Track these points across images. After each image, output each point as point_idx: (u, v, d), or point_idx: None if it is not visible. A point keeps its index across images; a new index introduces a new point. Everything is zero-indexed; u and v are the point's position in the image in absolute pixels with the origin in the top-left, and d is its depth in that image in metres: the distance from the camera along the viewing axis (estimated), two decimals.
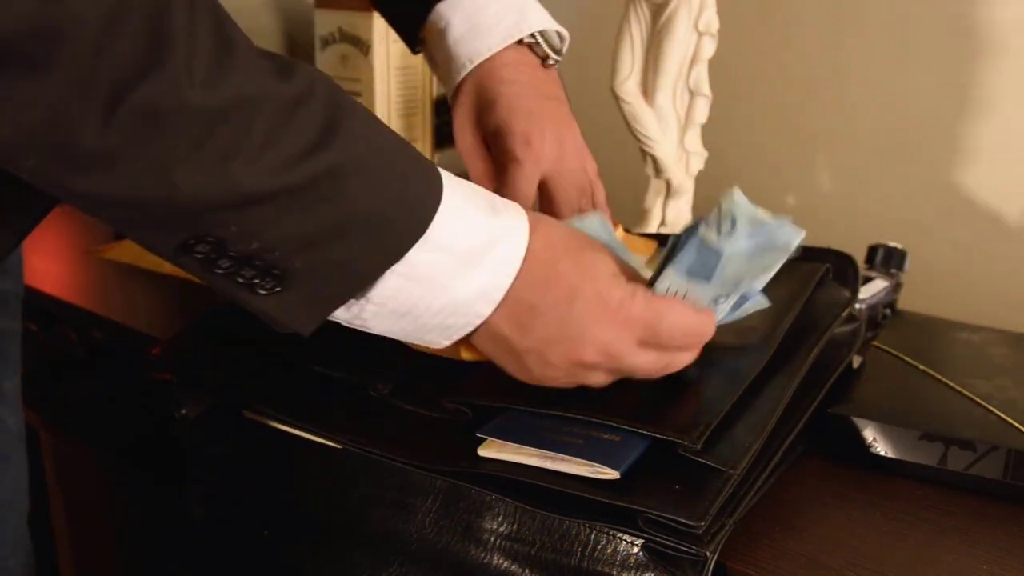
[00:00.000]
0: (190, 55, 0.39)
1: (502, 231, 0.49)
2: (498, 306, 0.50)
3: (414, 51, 0.72)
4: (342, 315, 0.49)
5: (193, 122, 0.39)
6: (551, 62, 0.68)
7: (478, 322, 0.51)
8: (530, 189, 0.64)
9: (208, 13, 0.41)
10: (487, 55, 0.66)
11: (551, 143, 0.65)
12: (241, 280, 0.45)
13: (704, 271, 0.55)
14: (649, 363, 0.53)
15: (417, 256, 0.47)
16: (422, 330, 0.50)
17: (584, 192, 0.67)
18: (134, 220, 0.43)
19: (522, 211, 0.51)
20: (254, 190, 0.42)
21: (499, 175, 0.66)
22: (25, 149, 0.39)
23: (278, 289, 0.45)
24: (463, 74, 0.67)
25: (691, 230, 0.56)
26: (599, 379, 0.53)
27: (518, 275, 0.50)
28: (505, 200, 0.52)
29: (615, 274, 0.52)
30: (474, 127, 0.68)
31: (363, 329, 0.50)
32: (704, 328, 0.53)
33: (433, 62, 0.71)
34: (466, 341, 0.53)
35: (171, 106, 0.39)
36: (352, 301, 0.48)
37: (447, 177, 0.48)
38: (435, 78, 1.15)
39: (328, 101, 0.44)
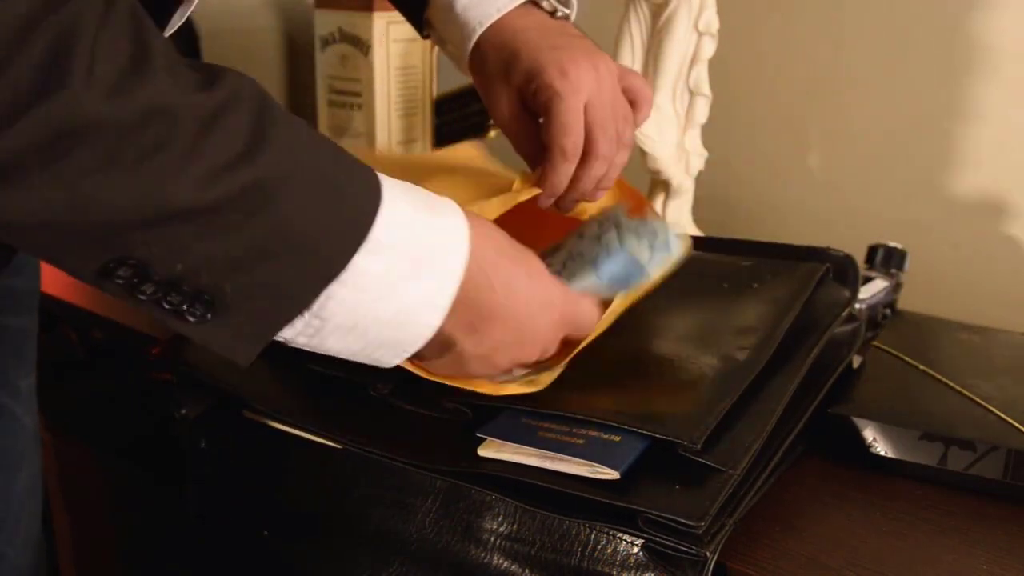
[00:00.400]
0: (97, 66, 0.37)
1: (443, 233, 0.48)
2: (448, 313, 0.49)
3: (423, 35, 0.72)
4: (287, 334, 0.46)
5: (101, 134, 0.38)
6: (560, 15, 0.66)
7: (429, 334, 0.49)
8: (577, 122, 0.61)
9: (126, 20, 0.39)
10: (496, 16, 0.64)
11: (587, 70, 0.62)
12: (168, 307, 0.42)
13: (624, 283, 0.58)
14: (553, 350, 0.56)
15: (361, 262, 0.44)
16: (371, 346, 0.48)
17: (627, 119, 0.64)
18: (51, 243, 0.41)
19: (459, 210, 0.50)
20: (174, 205, 0.39)
21: (542, 116, 0.62)
22: None
23: (209, 316, 0.43)
24: (475, 38, 0.65)
25: (622, 237, 0.58)
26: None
27: (464, 278, 0.48)
28: (442, 199, 0.50)
29: (545, 270, 0.55)
30: (504, 87, 0.65)
31: (310, 348, 0.48)
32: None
33: (442, 41, 0.70)
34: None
35: (75, 120, 0.37)
36: (298, 318, 0.45)
37: (385, 180, 0.47)
38: (435, 79, 1.15)
39: (255, 110, 0.42)
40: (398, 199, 0.46)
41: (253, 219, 0.41)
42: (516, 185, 0.63)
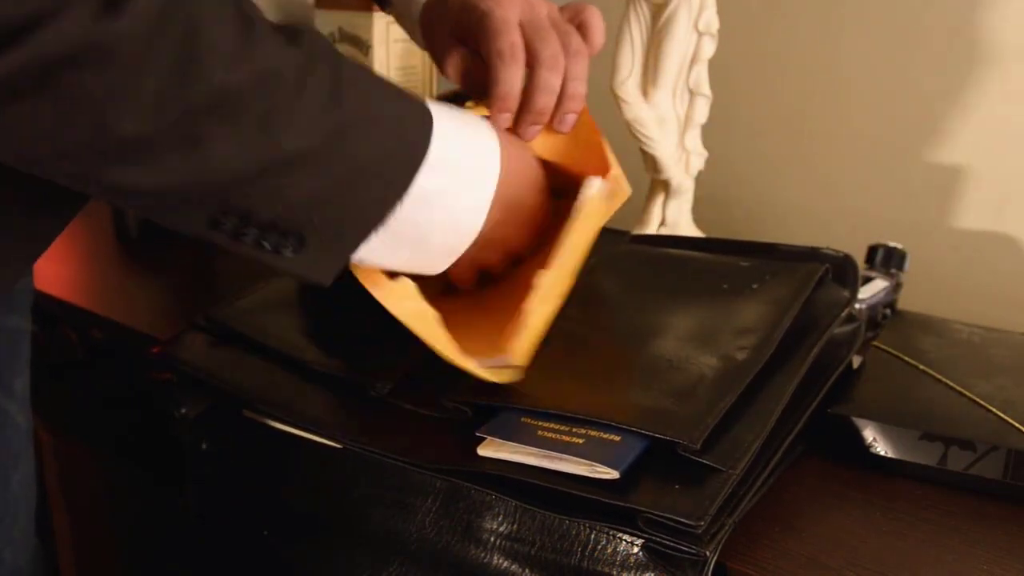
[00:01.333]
0: (219, 41, 0.41)
1: (482, 147, 0.55)
2: (488, 214, 0.55)
3: (384, 9, 0.73)
4: (362, 252, 0.51)
5: (228, 102, 0.42)
6: None
7: (476, 234, 0.55)
8: (509, 26, 0.59)
9: None
10: None
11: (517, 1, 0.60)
12: (267, 246, 0.47)
13: None
14: None
15: (422, 181, 0.50)
16: (429, 254, 0.55)
17: (571, 32, 0.61)
18: (165, 206, 0.45)
19: (487, 124, 0.57)
20: (282, 156, 0.44)
21: (479, 41, 0.61)
22: (62, 158, 0.41)
23: (300, 248, 0.48)
24: (421, 4, 0.66)
25: None
26: None
27: (499, 183, 0.55)
28: (474, 117, 0.56)
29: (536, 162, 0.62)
30: (445, 36, 0.64)
31: (379, 263, 0.53)
32: None
33: (400, 16, 0.72)
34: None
35: (208, 94, 0.41)
36: (372, 236, 0.50)
37: (433, 105, 0.52)
38: (435, 79, 1.15)
39: (330, 59, 0.46)
40: (445, 122, 0.52)
41: (337, 157, 0.46)
42: (469, 104, 0.61)
